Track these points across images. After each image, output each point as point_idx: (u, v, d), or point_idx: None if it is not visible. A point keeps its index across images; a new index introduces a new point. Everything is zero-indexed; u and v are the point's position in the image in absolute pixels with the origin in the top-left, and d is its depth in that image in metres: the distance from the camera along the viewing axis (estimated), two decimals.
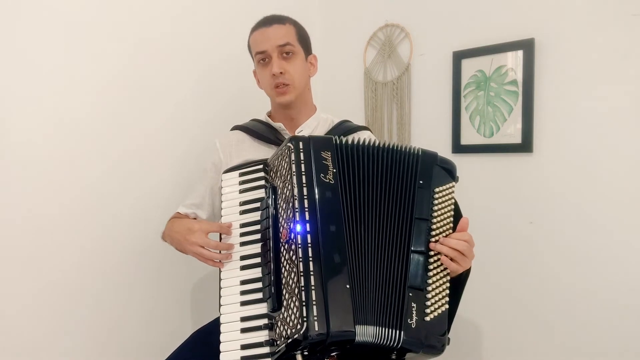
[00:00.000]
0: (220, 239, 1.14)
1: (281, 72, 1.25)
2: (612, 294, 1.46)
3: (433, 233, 1.04)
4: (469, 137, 1.75)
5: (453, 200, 1.10)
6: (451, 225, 1.07)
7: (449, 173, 1.12)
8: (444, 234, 1.05)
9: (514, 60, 1.62)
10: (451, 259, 1.02)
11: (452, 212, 1.08)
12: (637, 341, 1.43)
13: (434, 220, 1.05)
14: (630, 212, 1.42)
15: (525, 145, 1.60)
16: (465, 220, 1.07)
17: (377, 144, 1.10)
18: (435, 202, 1.07)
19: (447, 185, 1.10)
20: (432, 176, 1.08)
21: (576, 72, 1.50)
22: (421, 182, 1.07)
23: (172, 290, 1.62)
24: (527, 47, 1.58)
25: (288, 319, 0.94)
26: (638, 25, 1.39)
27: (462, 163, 1.78)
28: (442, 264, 1.03)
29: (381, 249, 1.01)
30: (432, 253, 1.03)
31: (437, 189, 1.08)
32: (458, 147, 1.77)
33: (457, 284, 1.09)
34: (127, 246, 1.48)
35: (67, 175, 1.35)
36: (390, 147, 1.09)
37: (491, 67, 1.67)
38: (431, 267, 1.02)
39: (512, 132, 1.64)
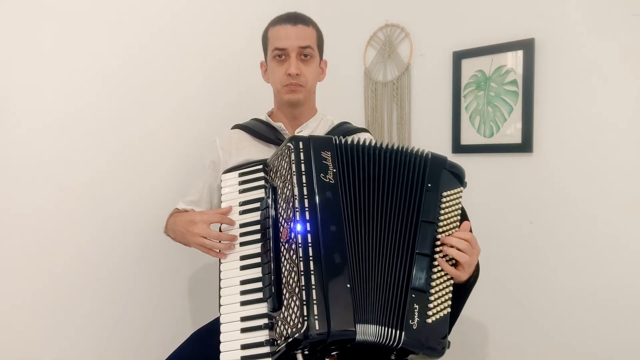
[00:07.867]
0: (221, 230, 1.14)
1: (297, 74, 1.26)
2: (612, 294, 1.46)
3: (439, 237, 1.04)
4: (469, 137, 1.75)
5: (460, 206, 1.09)
6: (457, 230, 1.07)
7: (458, 178, 1.10)
8: None
9: (514, 60, 1.62)
10: (454, 264, 1.02)
11: (459, 217, 1.07)
12: (637, 341, 1.43)
13: (440, 224, 1.04)
14: (630, 212, 1.43)
15: (525, 145, 1.60)
16: (467, 225, 1.06)
17: (376, 144, 1.10)
18: (443, 205, 1.06)
19: (455, 190, 1.09)
20: (441, 180, 1.07)
21: (576, 72, 1.50)
22: (429, 185, 1.06)
23: (172, 290, 1.62)
24: (527, 47, 1.58)
25: (288, 318, 0.94)
26: (638, 25, 1.39)
27: (462, 163, 1.77)
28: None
29: (384, 250, 1.01)
30: (437, 256, 1.02)
31: (444, 193, 1.07)
32: (458, 147, 1.77)
33: (463, 290, 1.08)
34: (126, 245, 1.48)
35: (67, 172, 1.34)
36: (395, 148, 1.09)
37: (491, 67, 1.67)
38: (435, 269, 1.01)
39: (512, 132, 1.64)
